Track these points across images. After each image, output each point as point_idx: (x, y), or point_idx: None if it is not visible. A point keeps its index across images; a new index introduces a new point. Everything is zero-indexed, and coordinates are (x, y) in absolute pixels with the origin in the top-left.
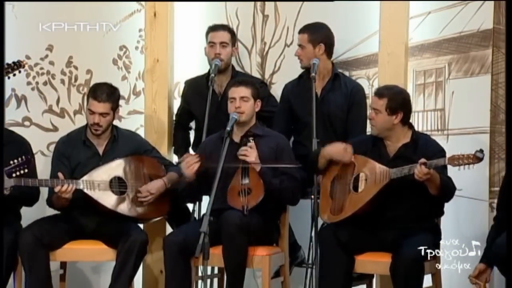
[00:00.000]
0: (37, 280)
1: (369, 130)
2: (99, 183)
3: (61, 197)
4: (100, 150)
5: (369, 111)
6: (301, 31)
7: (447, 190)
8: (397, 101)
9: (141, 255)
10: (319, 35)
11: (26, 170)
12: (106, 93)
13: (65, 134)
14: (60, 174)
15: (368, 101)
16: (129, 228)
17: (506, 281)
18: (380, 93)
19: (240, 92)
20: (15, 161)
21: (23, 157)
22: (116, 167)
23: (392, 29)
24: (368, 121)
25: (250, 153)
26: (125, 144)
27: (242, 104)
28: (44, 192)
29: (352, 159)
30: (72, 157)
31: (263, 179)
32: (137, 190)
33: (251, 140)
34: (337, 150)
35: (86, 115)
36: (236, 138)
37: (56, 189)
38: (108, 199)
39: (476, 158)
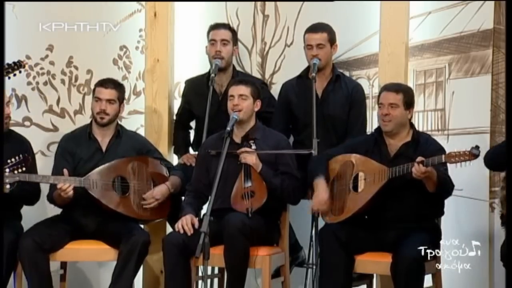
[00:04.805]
0: (38, 285)
1: (368, 129)
2: (102, 182)
3: (62, 195)
4: (104, 146)
5: (376, 109)
6: (319, 30)
7: (445, 186)
8: (411, 96)
9: (143, 255)
10: (334, 35)
11: (24, 169)
12: (113, 83)
13: (69, 132)
14: (65, 171)
15: (368, 101)
16: (131, 228)
17: (506, 280)
18: (395, 88)
19: (239, 90)
20: (12, 159)
21: (20, 155)
22: (119, 167)
23: (392, 29)
24: (368, 120)
25: (249, 155)
26: (128, 142)
27: (240, 102)
28: (44, 190)
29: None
30: (75, 154)
31: (263, 178)
32: (141, 197)
33: (252, 144)
34: (318, 197)
35: (92, 106)
36: (236, 138)
37: (59, 186)
38: (110, 198)
39: (472, 155)
